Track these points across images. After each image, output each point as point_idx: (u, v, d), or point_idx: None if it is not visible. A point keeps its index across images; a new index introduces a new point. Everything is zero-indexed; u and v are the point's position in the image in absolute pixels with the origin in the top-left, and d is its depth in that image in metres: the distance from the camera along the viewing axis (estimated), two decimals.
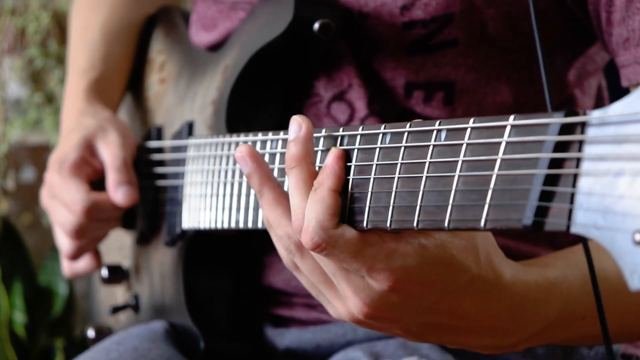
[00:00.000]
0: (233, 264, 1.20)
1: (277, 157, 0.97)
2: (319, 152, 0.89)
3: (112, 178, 1.25)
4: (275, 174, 0.95)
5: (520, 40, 1.07)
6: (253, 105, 1.14)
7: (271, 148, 0.99)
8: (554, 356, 1.09)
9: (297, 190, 0.84)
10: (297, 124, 0.85)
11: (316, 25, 1.07)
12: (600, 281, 0.80)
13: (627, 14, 0.98)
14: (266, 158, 0.97)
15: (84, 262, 1.30)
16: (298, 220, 0.83)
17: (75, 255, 1.28)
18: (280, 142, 0.98)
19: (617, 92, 1.03)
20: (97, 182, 1.28)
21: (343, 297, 0.86)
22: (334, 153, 0.84)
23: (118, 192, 1.24)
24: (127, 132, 1.29)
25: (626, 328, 0.96)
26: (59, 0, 2.29)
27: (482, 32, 1.06)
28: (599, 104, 1.20)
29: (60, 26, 2.29)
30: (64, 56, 2.28)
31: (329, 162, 0.83)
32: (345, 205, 0.83)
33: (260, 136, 1.02)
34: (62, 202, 1.25)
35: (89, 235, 1.26)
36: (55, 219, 1.27)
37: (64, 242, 1.28)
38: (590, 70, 1.15)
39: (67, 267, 1.32)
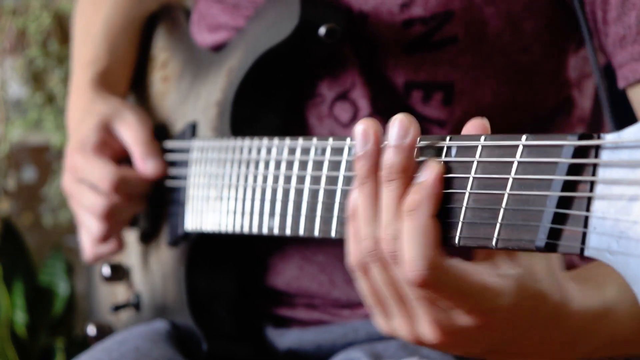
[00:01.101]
0: (235, 265, 1.20)
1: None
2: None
3: (139, 151, 1.24)
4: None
5: (521, 40, 1.07)
6: (257, 107, 1.14)
7: (277, 154, 0.99)
8: None
9: (393, 207, 0.76)
10: (403, 128, 0.76)
11: (322, 30, 1.07)
12: None
13: (622, 10, 0.97)
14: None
15: (110, 245, 1.29)
16: (390, 243, 0.76)
17: (105, 238, 1.26)
18: (286, 149, 0.98)
19: (616, 93, 1.03)
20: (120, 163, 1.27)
21: (413, 319, 0.80)
22: (436, 171, 0.75)
23: (147, 164, 1.23)
24: (142, 114, 1.28)
25: None
26: (59, 1, 2.29)
27: (483, 31, 1.06)
28: (597, 105, 1.20)
29: (61, 26, 2.29)
30: (65, 56, 2.28)
31: (430, 181, 0.74)
32: None
33: (265, 141, 1.02)
34: (89, 183, 1.24)
35: (118, 215, 1.25)
36: (82, 203, 1.26)
37: (92, 225, 1.26)
38: (588, 71, 1.15)
39: (90, 250, 1.30)
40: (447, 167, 0.76)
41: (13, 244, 2.27)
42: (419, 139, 0.77)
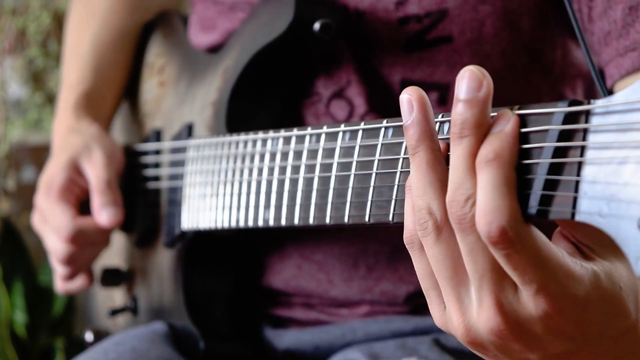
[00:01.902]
0: (232, 265, 1.20)
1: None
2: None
3: (96, 201, 1.25)
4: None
5: (518, 39, 1.07)
6: (253, 106, 1.14)
7: (272, 146, 0.99)
8: None
9: (466, 164, 0.70)
10: (476, 80, 0.71)
11: (317, 25, 1.07)
12: None
13: (608, 4, 0.97)
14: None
15: (78, 282, 1.31)
16: (461, 205, 0.70)
17: (68, 277, 1.29)
18: (281, 140, 0.98)
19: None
20: (86, 203, 1.28)
21: (471, 304, 0.73)
22: (514, 119, 0.70)
23: (102, 214, 1.24)
24: (112, 150, 1.29)
25: None
26: (59, 0, 2.29)
27: (479, 31, 1.06)
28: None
29: (60, 26, 2.29)
30: None
31: (509, 130, 0.69)
32: None
33: (260, 134, 1.02)
34: (51, 227, 1.26)
35: (79, 259, 1.27)
36: (47, 245, 1.28)
37: (57, 266, 1.29)
38: (581, 69, 1.15)
39: (61, 285, 1.32)
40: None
41: (13, 244, 2.27)
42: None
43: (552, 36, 1.09)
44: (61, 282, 1.31)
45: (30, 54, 2.30)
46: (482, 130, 0.70)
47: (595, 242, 0.70)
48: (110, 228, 1.25)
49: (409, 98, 0.74)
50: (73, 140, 1.29)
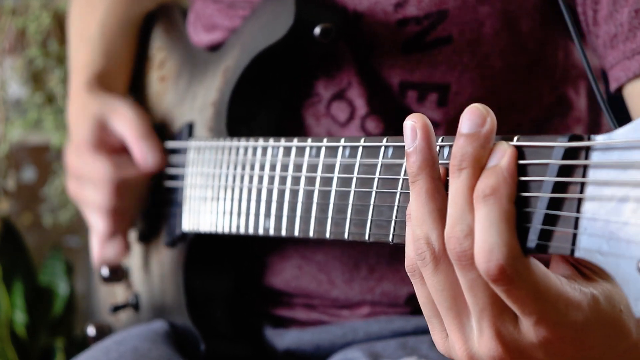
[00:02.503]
0: (233, 265, 1.20)
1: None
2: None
3: (138, 147, 1.24)
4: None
5: (517, 39, 1.07)
6: (253, 107, 1.14)
7: (272, 155, 0.99)
8: None
9: (464, 199, 0.70)
10: (481, 116, 0.71)
11: (317, 30, 1.07)
12: None
13: (614, 7, 0.96)
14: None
15: (116, 246, 1.29)
16: (460, 241, 0.70)
17: (110, 235, 1.27)
18: (281, 150, 0.98)
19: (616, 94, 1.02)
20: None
21: (473, 333, 0.73)
22: (510, 152, 0.70)
23: (148, 159, 1.23)
24: (138, 106, 1.28)
25: None
26: (59, 0, 2.29)
27: (478, 32, 1.06)
28: (593, 106, 1.19)
29: (60, 26, 2.28)
30: (65, 56, 2.27)
31: (506, 164, 0.69)
32: None
33: (261, 142, 1.02)
34: (91, 182, 1.25)
35: (121, 212, 1.25)
36: (87, 202, 1.27)
37: (97, 223, 1.27)
38: (584, 71, 1.15)
39: (98, 252, 1.30)
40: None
41: (13, 244, 2.26)
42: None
43: (554, 37, 1.09)
44: (100, 246, 1.29)
45: (30, 54, 2.29)
46: (481, 164, 0.70)
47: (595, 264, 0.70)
48: (156, 172, 1.24)
49: (413, 125, 0.74)
50: (92, 108, 1.29)
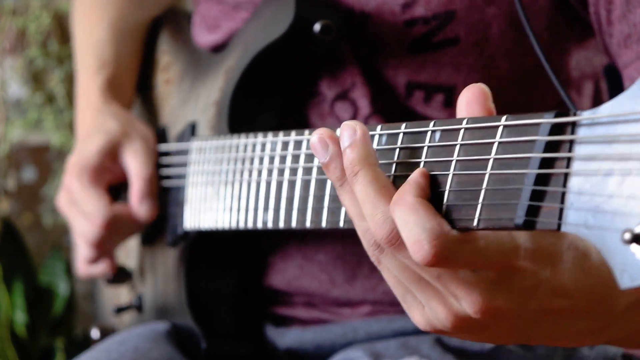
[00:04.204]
0: (235, 265, 1.21)
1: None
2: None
3: (138, 190, 1.25)
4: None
5: (524, 42, 1.07)
6: (255, 106, 1.15)
7: (271, 150, 1.00)
8: (555, 356, 1.09)
9: (370, 193, 0.75)
10: (351, 128, 0.77)
11: (317, 27, 1.07)
12: None
13: (627, 8, 0.96)
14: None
15: (100, 267, 1.31)
16: (383, 228, 0.73)
17: (93, 261, 1.29)
18: (280, 144, 0.98)
19: (618, 94, 1.02)
20: (115, 187, 1.28)
21: (448, 298, 0.74)
22: (421, 172, 0.75)
23: (143, 206, 1.25)
24: (149, 139, 1.29)
25: None
26: (59, 1, 2.30)
27: (485, 33, 1.06)
28: (598, 105, 1.19)
29: (61, 26, 2.29)
30: (65, 56, 2.28)
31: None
32: None
33: (260, 137, 1.02)
34: (81, 211, 1.25)
35: (107, 244, 1.27)
36: (75, 228, 1.28)
37: (82, 249, 1.28)
38: (588, 72, 1.15)
39: (83, 268, 1.32)
40: (432, 151, 0.76)
41: (13, 244, 2.27)
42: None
43: (560, 40, 1.09)
44: (84, 265, 1.31)
45: (30, 54, 2.30)
46: (370, 162, 0.75)
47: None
48: (146, 222, 1.25)
49: (320, 138, 0.78)
50: (109, 125, 1.29)
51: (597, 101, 1.21)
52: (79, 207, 1.26)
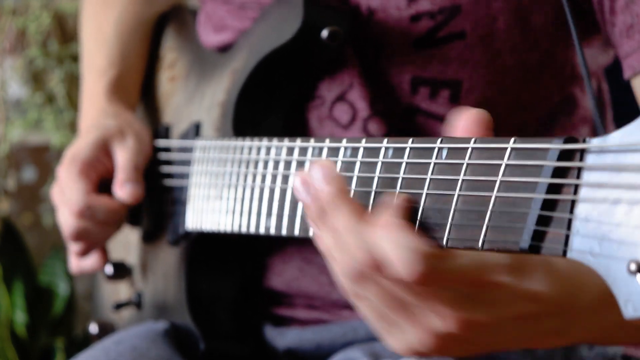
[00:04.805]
0: (235, 266, 1.21)
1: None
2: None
3: (120, 176, 1.25)
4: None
5: (530, 35, 1.07)
6: (260, 108, 1.15)
7: (276, 155, 1.00)
8: (554, 357, 1.09)
9: (352, 221, 0.77)
10: (321, 166, 0.80)
11: (325, 33, 1.07)
12: None
13: None
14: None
15: (90, 261, 1.30)
16: (366, 252, 0.75)
17: (80, 254, 1.28)
18: (285, 149, 0.98)
19: (619, 95, 1.02)
20: (106, 183, 1.27)
21: (429, 318, 0.76)
22: (401, 197, 0.78)
23: (123, 188, 1.24)
24: (144, 139, 1.29)
25: None
26: (59, 1, 2.29)
27: (491, 27, 1.06)
28: (600, 106, 1.20)
29: (61, 26, 2.29)
30: (65, 56, 2.28)
31: (395, 201, 0.77)
32: None
33: (265, 142, 1.02)
34: (64, 199, 1.25)
35: (90, 237, 1.26)
36: (60, 220, 1.27)
37: (69, 243, 1.28)
38: (592, 70, 1.15)
39: (74, 263, 1.31)
40: (439, 168, 0.76)
41: (13, 244, 2.27)
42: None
43: (565, 35, 1.09)
44: (74, 260, 1.31)
45: (30, 54, 2.29)
46: (347, 192, 0.78)
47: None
48: (128, 203, 1.25)
49: (302, 179, 0.80)
50: (107, 122, 1.29)
51: (599, 101, 1.20)
52: (65, 197, 1.25)
